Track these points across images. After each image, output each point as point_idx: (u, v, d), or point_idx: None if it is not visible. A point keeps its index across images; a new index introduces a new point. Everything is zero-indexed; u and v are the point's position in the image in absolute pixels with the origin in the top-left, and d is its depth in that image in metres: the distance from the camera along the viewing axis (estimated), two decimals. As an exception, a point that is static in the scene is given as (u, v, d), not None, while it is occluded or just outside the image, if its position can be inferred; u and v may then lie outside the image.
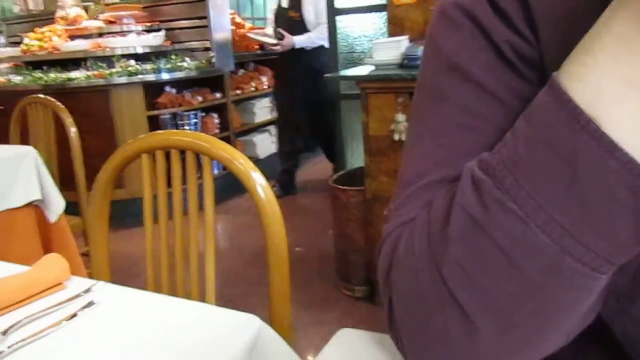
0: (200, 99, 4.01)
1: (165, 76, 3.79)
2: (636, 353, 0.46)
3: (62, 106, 2.19)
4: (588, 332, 0.42)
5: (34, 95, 2.32)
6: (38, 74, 3.86)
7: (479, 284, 0.36)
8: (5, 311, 0.71)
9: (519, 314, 0.36)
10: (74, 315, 0.70)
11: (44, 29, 4.25)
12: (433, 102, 0.46)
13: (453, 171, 0.42)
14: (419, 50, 2.12)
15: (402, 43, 2.24)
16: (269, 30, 3.96)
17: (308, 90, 3.83)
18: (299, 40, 3.76)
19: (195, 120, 3.98)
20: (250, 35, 4.14)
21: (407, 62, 2.15)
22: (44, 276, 0.76)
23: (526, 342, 0.39)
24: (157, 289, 0.99)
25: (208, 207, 1.00)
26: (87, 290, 0.76)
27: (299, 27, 3.77)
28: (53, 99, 2.24)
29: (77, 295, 0.75)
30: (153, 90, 3.84)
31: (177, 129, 3.88)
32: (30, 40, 4.19)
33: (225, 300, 2.48)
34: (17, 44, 4.41)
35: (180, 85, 4.02)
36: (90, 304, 0.72)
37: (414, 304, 0.41)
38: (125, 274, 2.80)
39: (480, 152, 0.39)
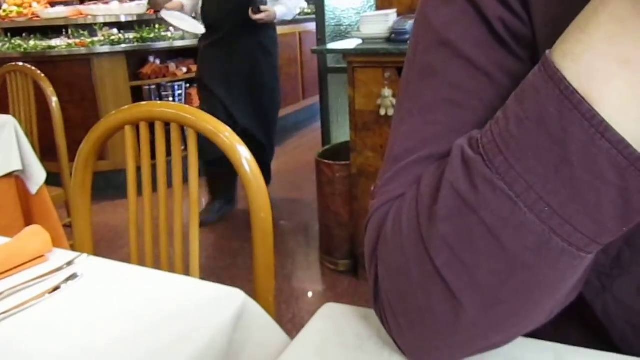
0: (184, 70, 3.94)
1: (148, 46, 3.71)
2: (615, 330, 0.47)
3: (43, 75, 2.15)
4: (570, 309, 0.42)
5: (14, 64, 2.26)
6: (17, 41, 3.76)
7: (465, 261, 0.37)
8: (-14, 283, 0.70)
9: (503, 291, 0.37)
10: (57, 287, 0.69)
11: (23, -6, 4.13)
12: (422, 78, 0.46)
13: (442, 148, 0.42)
14: (407, 25, 2.10)
15: (390, 17, 2.22)
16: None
17: (251, 79, 2.97)
18: (281, 13, 2.94)
19: (179, 91, 3.92)
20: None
21: (394, 36, 2.13)
22: (26, 248, 0.75)
23: (509, 318, 0.39)
24: (141, 262, 0.99)
25: (192, 180, 0.99)
26: (69, 263, 0.75)
27: None
28: (33, 68, 2.19)
29: (60, 268, 0.74)
30: (136, 60, 3.76)
31: (161, 100, 3.82)
32: (9, 6, 4.07)
33: (209, 273, 2.49)
34: (-4, 9, 4.29)
35: (165, 55, 3.94)
36: (73, 276, 0.71)
37: (400, 280, 0.41)
38: (109, 246, 2.79)
39: (470, 129, 0.39)
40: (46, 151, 2.18)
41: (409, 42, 0.49)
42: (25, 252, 0.75)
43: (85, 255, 0.77)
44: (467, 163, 0.36)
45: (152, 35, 3.77)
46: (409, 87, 0.47)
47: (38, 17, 3.97)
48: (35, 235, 0.78)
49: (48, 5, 4.06)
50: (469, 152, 0.36)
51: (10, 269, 0.73)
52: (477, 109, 0.42)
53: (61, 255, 0.78)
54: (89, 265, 0.75)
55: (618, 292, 0.45)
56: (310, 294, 2.37)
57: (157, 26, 3.91)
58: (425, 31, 0.46)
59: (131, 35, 3.73)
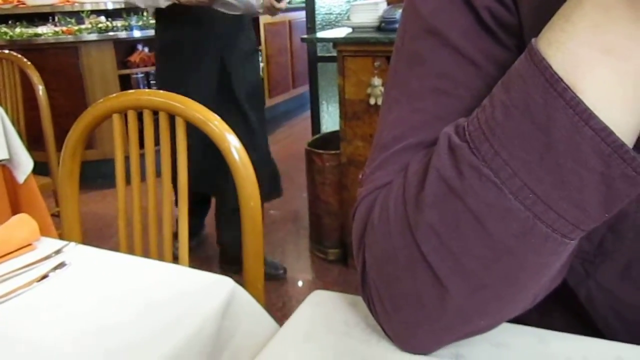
0: (173, 58, 3.91)
1: (137, 34, 3.67)
2: (599, 316, 0.48)
3: (29, 63, 2.12)
4: (554, 295, 0.43)
5: (-1, 51, 2.23)
6: (3, 28, 3.70)
7: (451, 247, 0.37)
8: (-26, 272, 0.70)
9: (488, 276, 0.37)
10: (45, 276, 0.69)
11: (9, -20, 4.06)
12: (410, 66, 0.46)
13: (429, 136, 0.43)
14: (397, 14, 2.10)
15: (380, 6, 2.21)
16: None
17: (248, 80, 2.30)
18: None
19: (168, 80, 3.89)
20: None
21: (384, 25, 2.12)
22: (13, 236, 0.75)
23: (494, 303, 0.40)
24: (130, 251, 0.98)
25: (181, 169, 0.98)
26: (58, 252, 0.75)
27: None
28: (19, 55, 2.16)
29: (48, 257, 0.74)
30: (124, 48, 3.73)
31: (149, 88, 3.79)
32: (-6, -7, 4.01)
33: (200, 262, 2.49)
34: (-20, -4, 4.22)
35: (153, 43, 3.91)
36: (61, 265, 0.71)
37: (387, 267, 0.42)
38: (97, 235, 2.78)
39: (457, 117, 0.40)
40: (33, 140, 2.16)
41: (397, 29, 0.49)
42: (12, 241, 0.75)
43: (73, 244, 0.77)
44: (454, 150, 0.36)
45: (140, 23, 3.73)
46: (396, 76, 0.47)
47: (24, 4, 3.91)
48: (22, 224, 0.78)
49: (34, -8, 4.00)
50: (455, 139, 0.37)
51: (-2, 258, 0.73)
52: (464, 97, 0.43)
53: (49, 244, 0.78)
54: (78, 253, 0.75)
55: (601, 279, 0.46)
56: (300, 283, 2.37)
57: (145, 14, 3.87)
58: (413, 19, 0.46)
59: (119, 22, 3.69)
